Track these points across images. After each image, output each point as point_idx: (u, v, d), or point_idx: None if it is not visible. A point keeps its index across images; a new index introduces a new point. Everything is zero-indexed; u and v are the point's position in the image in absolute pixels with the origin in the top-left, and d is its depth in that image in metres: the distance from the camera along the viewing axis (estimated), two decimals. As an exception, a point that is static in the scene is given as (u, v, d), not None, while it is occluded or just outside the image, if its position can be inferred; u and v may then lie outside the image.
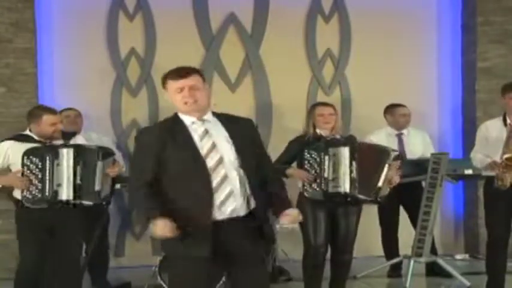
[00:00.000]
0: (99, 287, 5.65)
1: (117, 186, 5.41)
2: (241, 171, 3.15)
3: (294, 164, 4.81)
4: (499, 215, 4.87)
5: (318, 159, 4.57)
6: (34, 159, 4.30)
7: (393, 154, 4.69)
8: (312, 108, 4.97)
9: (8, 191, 4.64)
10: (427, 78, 7.13)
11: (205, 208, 3.09)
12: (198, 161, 3.11)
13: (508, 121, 4.87)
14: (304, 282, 4.83)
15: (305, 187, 4.62)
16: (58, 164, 4.28)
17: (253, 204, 3.19)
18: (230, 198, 3.12)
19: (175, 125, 3.21)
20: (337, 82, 7.03)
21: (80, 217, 4.54)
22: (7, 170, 4.47)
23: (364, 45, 6.96)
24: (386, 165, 4.59)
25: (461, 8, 7.11)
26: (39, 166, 4.28)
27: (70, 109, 5.77)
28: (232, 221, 3.14)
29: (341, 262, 4.80)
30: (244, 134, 3.24)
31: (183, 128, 3.19)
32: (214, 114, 3.29)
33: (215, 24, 6.81)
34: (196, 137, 3.16)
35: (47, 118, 4.48)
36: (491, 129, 4.94)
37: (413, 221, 5.83)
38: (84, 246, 5.46)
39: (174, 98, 3.20)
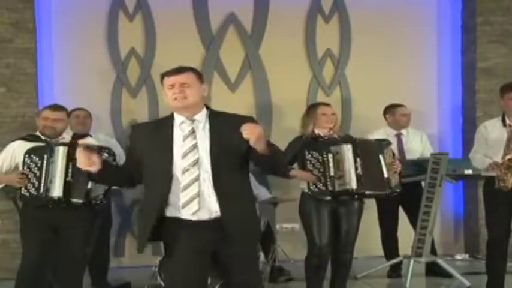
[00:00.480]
0: (99, 287, 5.64)
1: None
2: (219, 175, 3.14)
3: (295, 165, 4.79)
4: (499, 215, 4.87)
5: (320, 159, 4.57)
6: (34, 157, 4.32)
7: (383, 143, 4.74)
8: (313, 108, 4.95)
9: (14, 193, 4.64)
10: (427, 78, 7.13)
11: (157, 207, 3.15)
12: (165, 163, 3.14)
13: (507, 121, 4.86)
14: (307, 282, 4.83)
15: (310, 187, 4.60)
16: (53, 162, 4.29)
17: (223, 210, 3.15)
18: (195, 199, 3.13)
19: (163, 125, 3.26)
20: (337, 82, 7.03)
21: (85, 217, 4.54)
22: (16, 169, 4.47)
23: (364, 45, 6.97)
24: (381, 156, 4.61)
25: (461, 8, 7.12)
26: (38, 164, 4.30)
27: (80, 109, 5.75)
28: (207, 223, 3.15)
29: (342, 262, 4.80)
30: (233, 133, 3.11)
31: (168, 128, 3.22)
32: (212, 113, 3.28)
33: (215, 24, 6.81)
34: (181, 137, 3.18)
35: (43, 112, 4.56)
36: (490, 130, 4.94)
37: (413, 221, 5.83)
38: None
39: (167, 94, 3.24)
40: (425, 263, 5.78)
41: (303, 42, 6.97)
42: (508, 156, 4.64)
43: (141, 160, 3.24)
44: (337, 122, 4.96)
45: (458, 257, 6.96)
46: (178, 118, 3.23)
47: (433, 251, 5.88)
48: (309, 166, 4.58)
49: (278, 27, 6.84)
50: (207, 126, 3.21)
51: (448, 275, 5.73)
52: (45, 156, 4.30)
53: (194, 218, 3.14)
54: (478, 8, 6.89)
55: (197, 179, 3.13)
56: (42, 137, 4.51)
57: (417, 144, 6.12)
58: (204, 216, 3.15)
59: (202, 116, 3.24)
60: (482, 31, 6.90)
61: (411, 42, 7.07)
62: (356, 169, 4.52)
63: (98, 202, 4.57)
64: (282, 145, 4.98)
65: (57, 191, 4.28)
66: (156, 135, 3.23)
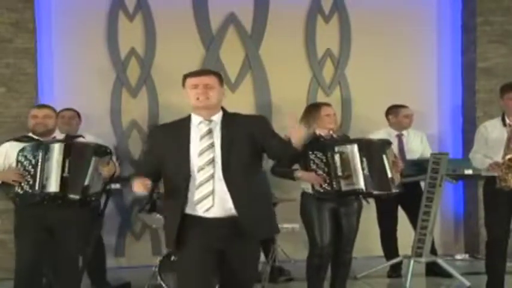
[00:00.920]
0: (99, 287, 5.64)
1: (117, 186, 5.40)
2: (231, 173, 3.27)
3: (295, 165, 4.79)
4: (498, 215, 4.87)
5: (324, 159, 4.55)
6: (28, 155, 4.32)
7: (385, 143, 4.76)
8: (315, 108, 4.93)
9: (11, 194, 4.62)
10: (427, 78, 7.13)
11: (179, 205, 3.29)
12: (186, 161, 3.28)
13: (508, 121, 4.86)
14: (308, 282, 4.83)
15: (316, 188, 4.58)
16: (48, 159, 4.29)
17: (238, 208, 3.27)
18: (209, 197, 3.26)
19: (181, 125, 3.40)
20: (337, 82, 7.03)
21: (81, 216, 4.53)
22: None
23: (364, 45, 6.97)
24: (384, 156, 4.61)
25: (461, 8, 7.12)
26: (33, 162, 4.30)
27: (67, 109, 5.74)
28: (224, 220, 3.28)
29: (342, 262, 4.81)
30: (250, 133, 3.33)
31: (185, 129, 3.36)
32: (227, 115, 3.42)
33: (215, 24, 6.81)
34: (197, 136, 3.32)
35: (31, 111, 4.59)
36: (490, 130, 4.94)
37: (413, 221, 5.83)
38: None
39: (189, 94, 3.38)
40: (425, 263, 5.78)
41: (303, 42, 6.97)
42: (508, 156, 4.64)
43: (160, 160, 3.37)
44: (337, 122, 4.96)
45: (458, 257, 6.96)
46: (195, 119, 3.38)
47: (433, 251, 5.88)
48: (313, 166, 4.55)
49: (278, 27, 6.84)
50: (223, 126, 3.35)
51: (448, 275, 5.74)
52: (40, 154, 4.30)
53: (209, 215, 3.26)
54: (478, 8, 6.89)
55: (212, 177, 3.26)
56: (35, 137, 4.50)
57: (417, 145, 6.13)
58: (218, 213, 3.27)
59: (219, 117, 3.39)
60: (482, 31, 6.90)
61: (411, 42, 7.07)
62: (363, 169, 4.52)
63: (93, 199, 4.55)
64: (282, 145, 4.99)
65: (53, 186, 4.27)
66: (174, 135, 3.37)
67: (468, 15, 7.03)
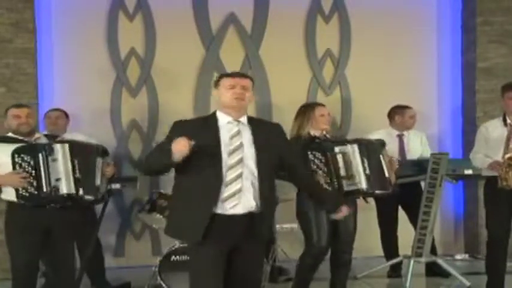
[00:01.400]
0: (99, 287, 5.64)
1: (117, 186, 5.40)
2: (256, 172, 3.39)
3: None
4: (499, 216, 4.87)
5: (323, 159, 4.54)
6: (25, 156, 4.23)
7: (381, 144, 4.76)
8: (310, 108, 4.91)
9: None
10: (427, 78, 7.13)
11: (210, 202, 3.33)
12: (218, 159, 3.34)
13: (508, 121, 4.86)
14: (298, 280, 4.84)
15: None
16: (54, 160, 4.24)
17: (257, 206, 3.40)
18: (236, 195, 3.35)
19: (208, 123, 3.47)
20: (337, 82, 7.03)
21: (73, 218, 4.53)
22: None
23: (364, 45, 6.97)
24: (381, 156, 4.62)
25: (461, 8, 7.12)
26: (32, 163, 4.23)
27: (54, 110, 5.74)
28: (243, 218, 3.37)
29: (342, 262, 4.80)
30: (271, 136, 3.53)
31: (214, 127, 3.43)
32: (250, 118, 3.55)
33: (215, 24, 6.81)
34: (227, 136, 3.41)
35: (11, 111, 4.48)
36: (491, 130, 4.94)
37: (413, 221, 5.83)
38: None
39: (224, 93, 3.45)
40: (425, 263, 5.78)
41: (303, 42, 6.97)
42: (508, 155, 4.64)
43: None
44: (330, 123, 4.97)
45: (458, 257, 6.96)
46: (223, 118, 3.46)
47: (433, 251, 5.88)
48: (313, 167, 4.54)
49: (278, 27, 6.84)
50: (250, 128, 3.47)
51: (448, 275, 5.74)
52: (40, 155, 4.23)
53: (230, 212, 3.34)
54: (478, 8, 6.89)
55: (240, 176, 3.36)
56: (19, 137, 4.39)
57: (417, 145, 6.13)
58: (239, 210, 3.37)
59: (245, 120, 3.51)
60: (482, 31, 6.90)
61: (411, 42, 7.07)
62: (364, 169, 4.52)
63: (101, 200, 4.58)
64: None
65: (67, 187, 4.23)
66: (202, 132, 3.40)
67: (468, 15, 7.03)
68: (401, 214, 6.07)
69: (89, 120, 6.36)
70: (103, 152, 4.56)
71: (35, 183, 4.21)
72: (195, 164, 3.34)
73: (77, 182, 4.27)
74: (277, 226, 5.94)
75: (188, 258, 3.61)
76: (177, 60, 6.70)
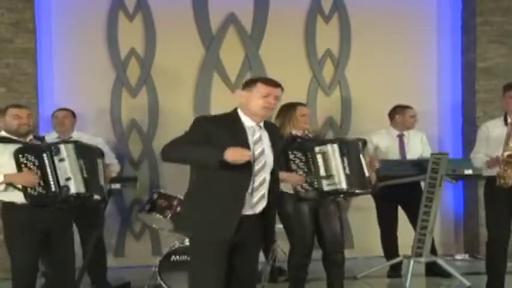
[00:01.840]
0: (99, 287, 5.64)
1: (117, 186, 5.41)
2: (270, 176, 3.50)
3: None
4: (499, 216, 4.87)
5: (304, 159, 4.50)
6: (29, 156, 4.23)
7: (362, 143, 4.72)
8: (290, 108, 4.88)
9: None
10: (427, 78, 7.13)
11: (239, 206, 3.39)
12: (247, 163, 3.34)
13: (509, 120, 4.86)
14: (292, 280, 4.86)
15: (297, 189, 4.54)
16: (61, 160, 4.25)
17: (267, 208, 3.53)
18: (263, 199, 3.46)
19: (236, 124, 3.46)
20: (337, 82, 7.03)
21: (71, 219, 4.55)
22: None
23: (364, 45, 6.97)
24: (361, 155, 4.61)
25: (461, 8, 7.12)
26: (36, 163, 4.24)
27: (61, 109, 5.72)
28: (251, 217, 3.46)
29: (334, 262, 4.79)
30: (277, 141, 3.62)
31: (242, 129, 3.45)
32: (265, 122, 3.58)
33: (215, 24, 6.81)
34: (251, 142, 3.43)
35: (10, 111, 4.45)
36: (491, 130, 4.94)
37: (413, 221, 5.83)
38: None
39: (256, 99, 3.43)
40: (425, 263, 5.78)
41: (303, 42, 6.97)
42: (507, 153, 4.64)
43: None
44: (312, 123, 4.97)
45: (458, 257, 6.96)
46: (247, 121, 3.48)
47: (433, 251, 5.88)
48: (293, 166, 4.49)
49: (278, 27, 6.84)
50: (266, 134, 3.53)
51: (448, 275, 5.74)
52: (44, 155, 4.24)
53: (247, 213, 3.43)
54: (478, 8, 6.89)
55: (264, 181, 3.45)
56: (14, 138, 4.37)
57: (418, 145, 6.13)
58: (249, 211, 3.44)
59: (262, 124, 3.55)
60: (482, 31, 6.90)
61: (411, 42, 7.07)
62: (344, 168, 4.50)
63: (106, 200, 4.63)
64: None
65: (77, 187, 4.24)
66: (231, 133, 3.40)
67: (468, 15, 7.03)
68: (401, 214, 6.06)
69: (89, 120, 6.36)
70: (102, 154, 4.58)
71: (41, 183, 4.22)
72: (227, 166, 3.30)
73: (86, 182, 4.29)
74: (277, 226, 5.93)
75: (191, 252, 3.59)
76: (177, 60, 6.70)
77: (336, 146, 4.49)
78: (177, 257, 5.16)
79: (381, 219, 6.12)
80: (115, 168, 5.52)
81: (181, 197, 4.78)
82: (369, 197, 5.77)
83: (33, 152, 4.26)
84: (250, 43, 6.86)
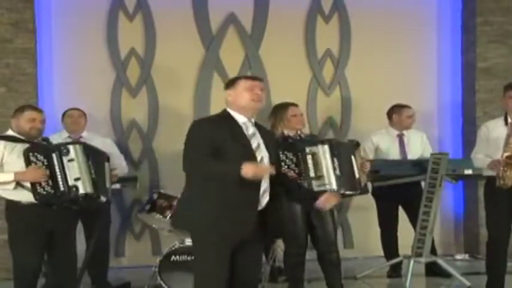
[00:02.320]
0: (99, 287, 5.64)
1: (117, 186, 5.41)
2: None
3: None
4: (499, 216, 4.87)
5: (295, 160, 4.50)
6: (39, 155, 4.27)
7: (354, 144, 4.75)
8: (282, 108, 4.92)
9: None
10: (427, 78, 7.13)
11: (255, 197, 3.44)
12: (251, 156, 3.43)
13: (509, 120, 4.86)
14: (290, 279, 4.87)
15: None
16: (70, 160, 4.27)
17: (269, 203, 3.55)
18: (266, 193, 3.50)
19: (230, 121, 3.51)
20: (337, 82, 7.03)
21: (76, 219, 4.57)
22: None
23: (364, 45, 6.97)
24: (353, 156, 4.61)
25: (461, 8, 7.12)
26: (45, 163, 4.26)
27: (74, 109, 5.77)
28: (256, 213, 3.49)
29: (329, 262, 4.81)
30: (270, 140, 3.69)
31: (237, 125, 3.50)
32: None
33: (215, 24, 6.81)
34: (248, 136, 3.50)
35: (27, 113, 4.50)
36: (492, 130, 4.94)
37: (413, 221, 5.83)
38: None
39: (242, 94, 3.51)
40: (425, 263, 5.77)
41: (303, 42, 6.97)
42: (506, 154, 4.64)
43: (219, 149, 3.41)
44: (304, 123, 4.97)
45: (458, 257, 6.96)
46: (239, 117, 3.53)
47: (433, 251, 5.88)
48: (284, 167, 4.50)
49: (278, 27, 6.84)
50: (259, 129, 3.59)
51: (448, 275, 5.74)
52: (54, 155, 4.26)
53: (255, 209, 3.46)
54: (478, 8, 6.89)
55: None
56: (22, 138, 4.42)
57: (418, 145, 6.12)
58: (260, 207, 3.49)
59: (253, 121, 3.61)
60: (482, 31, 6.89)
61: (411, 42, 7.07)
62: (334, 169, 4.50)
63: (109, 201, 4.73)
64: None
65: (85, 187, 4.27)
66: (231, 130, 3.46)
67: (468, 15, 7.03)
68: (402, 214, 6.06)
69: (89, 120, 6.34)
70: (106, 156, 4.62)
71: (50, 182, 4.24)
72: (234, 160, 3.37)
73: (94, 183, 4.32)
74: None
75: (195, 251, 3.57)
76: (177, 60, 6.70)
77: (326, 147, 4.48)
78: (177, 257, 5.16)
79: (381, 219, 6.12)
80: (123, 170, 5.58)
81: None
82: (369, 197, 5.77)
83: (42, 151, 4.30)
84: (250, 43, 6.86)
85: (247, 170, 3.28)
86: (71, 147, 4.32)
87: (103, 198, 4.42)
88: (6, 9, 6.26)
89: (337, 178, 4.45)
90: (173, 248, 5.19)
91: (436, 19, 7.19)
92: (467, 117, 7.02)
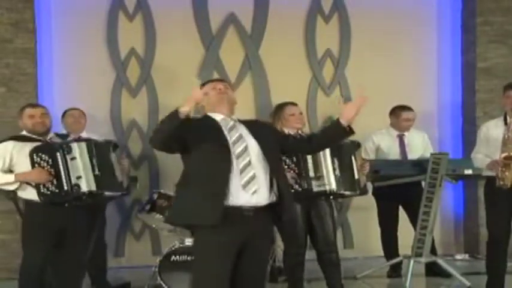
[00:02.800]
0: (99, 287, 5.64)
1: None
2: (265, 162, 3.47)
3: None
4: (499, 215, 4.87)
5: (295, 159, 4.52)
6: (43, 155, 4.30)
7: (355, 145, 4.76)
8: (280, 108, 4.94)
9: (14, 193, 4.61)
10: (427, 78, 7.13)
11: (222, 188, 3.37)
12: (224, 147, 3.43)
13: (509, 120, 4.86)
14: (290, 280, 4.87)
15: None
16: (72, 158, 4.29)
17: (274, 197, 3.48)
18: (253, 181, 3.41)
19: (207, 121, 3.58)
20: (337, 82, 7.03)
21: (86, 218, 4.58)
22: (7, 171, 4.45)
23: (364, 45, 6.97)
24: (353, 157, 4.61)
25: (461, 8, 7.12)
26: (50, 162, 4.28)
27: (75, 108, 5.79)
28: (258, 213, 3.42)
29: (329, 262, 4.80)
30: (266, 133, 3.64)
31: (213, 121, 3.56)
32: (239, 120, 3.65)
33: (215, 24, 6.81)
34: (225, 130, 3.51)
35: (26, 111, 4.57)
36: (491, 130, 4.94)
37: (413, 221, 5.83)
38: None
39: (210, 94, 3.62)
40: (425, 263, 5.77)
41: (303, 42, 6.97)
42: (504, 154, 4.64)
43: (187, 141, 3.44)
44: (305, 122, 4.97)
45: (458, 257, 6.96)
46: (216, 116, 3.58)
47: (433, 251, 5.88)
48: (284, 166, 4.47)
49: (278, 27, 6.84)
50: (243, 125, 3.60)
51: (448, 275, 5.74)
52: (58, 153, 4.28)
53: (253, 202, 3.40)
54: (478, 8, 6.89)
55: (250, 163, 3.43)
56: (33, 136, 4.49)
57: (419, 145, 6.12)
58: (261, 199, 3.43)
59: (236, 118, 3.63)
60: (482, 31, 6.89)
61: (411, 42, 7.07)
62: (334, 170, 4.50)
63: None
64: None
65: (88, 185, 4.30)
66: (204, 126, 3.53)
67: (468, 15, 7.03)
68: (402, 214, 6.06)
69: (89, 120, 6.33)
70: (114, 147, 4.64)
71: (54, 182, 4.27)
72: (204, 152, 3.43)
73: (97, 179, 4.34)
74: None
75: (194, 250, 3.57)
76: (177, 60, 6.70)
77: None
78: (177, 257, 5.16)
79: (381, 219, 6.12)
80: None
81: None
82: (369, 197, 5.76)
83: (47, 151, 4.33)
84: (250, 43, 6.86)
85: (183, 103, 3.32)
86: (74, 145, 4.36)
87: (109, 193, 4.48)
88: (6, 9, 6.27)
89: (337, 178, 4.46)
90: (173, 248, 5.19)
91: (436, 19, 7.19)
92: (467, 117, 7.02)
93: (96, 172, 4.34)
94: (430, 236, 5.62)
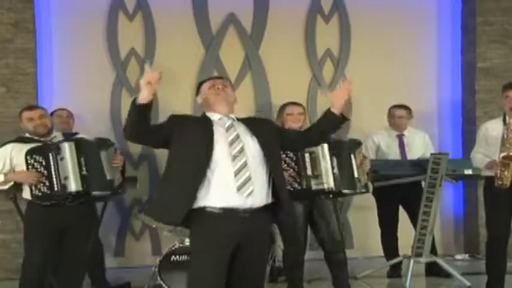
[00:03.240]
0: (99, 287, 5.64)
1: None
2: (263, 161, 3.43)
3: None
4: (499, 215, 4.87)
5: (294, 158, 4.54)
6: (37, 157, 4.31)
7: (355, 143, 4.77)
8: (282, 107, 4.98)
9: (14, 194, 4.64)
10: (427, 78, 7.13)
11: (188, 190, 3.34)
12: (204, 149, 3.37)
13: (507, 120, 4.86)
14: (289, 279, 4.87)
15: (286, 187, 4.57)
16: (62, 158, 4.29)
17: (271, 197, 3.45)
18: (248, 182, 3.35)
19: (203, 120, 3.54)
20: (337, 82, 7.03)
21: (88, 217, 4.58)
22: (8, 173, 4.47)
23: (364, 45, 6.97)
24: (352, 155, 4.61)
25: (461, 8, 7.12)
26: (43, 164, 4.29)
27: (62, 109, 5.79)
28: (253, 216, 3.37)
29: (336, 262, 4.81)
30: (266, 130, 3.58)
31: (209, 121, 3.50)
32: (238, 118, 3.61)
33: (215, 24, 6.81)
34: (221, 130, 3.46)
35: (23, 114, 4.59)
36: (491, 129, 4.94)
37: (413, 221, 5.83)
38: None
39: (207, 93, 3.59)
40: (425, 263, 5.77)
41: (303, 42, 6.97)
42: (502, 154, 4.64)
43: (171, 137, 3.43)
44: (305, 122, 4.97)
45: (458, 257, 6.96)
46: (214, 116, 3.54)
47: (433, 251, 5.88)
48: (284, 165, 4.49)
49: (278, 27, 6.84)
50: (242, 123, 3.55)
51: (448, 275, 5.74)
52: (50, 154, 4.29)
53: (249, 204, 3.35)
54: (478, 8, 6.89)
55: (245, 164, 3.38)
56: (35, 137, 4.52)
57: (419, 145, 6.11)
58: (256, 201, 3.37)
59: (234, 117, 3.59)
60: (482, 31, 6.90)
61: (411, 42, 7.07)
62: (333, 168, 4.51)
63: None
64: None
65: (75, 185, 4.28)
66: (197, 125, 3.49)
67: (468, 15, 7.03)
68: (402, 214, 6.06)
69: (88, 121, 6.36)
70: (107, 145, 4.59)
71: (47, 183, 4.27)
72: (181, 150, 3.41)
73: (84, 179, 4.31)
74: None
75: (191, 253, 3.55)
76: (177, 60, 6.69)
77: (325, 145, 4.52)
78: (177, 257, 5.17)
79: (381, 219, 6.12)
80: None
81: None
82: (369, 197, 5.77)
83: (41, 152, 4.33)
84: (250, 43, 6.86)
85: (141, 91, 3.33)
86: (63, 144, 4.35)
87: (97, 193, 4.42)
88: (6, 9, 6.27)
89: (335, 177, 4.46)
90: (173, 248, 5.19)
91: (436, 19, 7.19)
92: (467, 117, 7.02)
93: (84, 172, 4.31)
94: (430, 236, 5.62)
